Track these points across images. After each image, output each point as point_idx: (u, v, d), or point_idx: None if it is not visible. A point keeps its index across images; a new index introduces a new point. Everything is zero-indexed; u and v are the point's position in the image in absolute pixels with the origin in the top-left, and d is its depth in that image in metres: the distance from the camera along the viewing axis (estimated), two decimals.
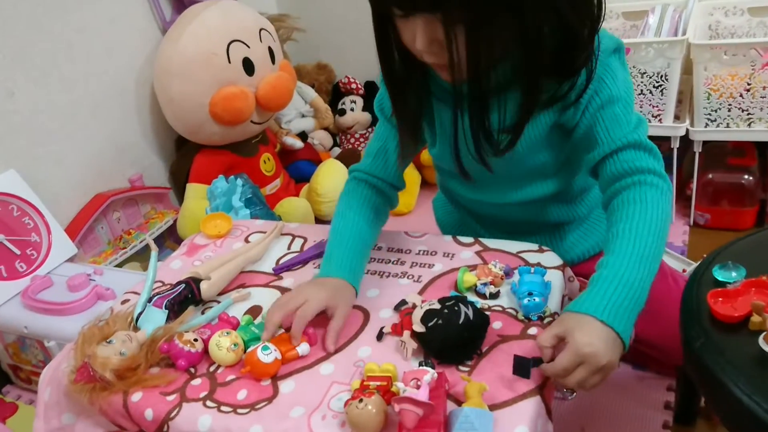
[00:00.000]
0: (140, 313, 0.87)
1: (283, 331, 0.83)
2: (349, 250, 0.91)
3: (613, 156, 0.81)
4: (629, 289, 0.70)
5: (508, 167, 0.91)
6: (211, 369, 0.82)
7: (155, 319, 0.86)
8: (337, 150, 2.18)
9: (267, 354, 0.77)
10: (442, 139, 0.93)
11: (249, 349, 0.78)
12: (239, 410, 0.75)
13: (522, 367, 0.70)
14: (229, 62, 1.57)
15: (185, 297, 0.90)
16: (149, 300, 0.88)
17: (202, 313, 0.93)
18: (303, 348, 0.80)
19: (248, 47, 1.60)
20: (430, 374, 0.70)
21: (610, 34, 0.84)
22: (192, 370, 0.82)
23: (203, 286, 0.93)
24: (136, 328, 0.86)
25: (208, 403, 0.76)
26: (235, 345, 0.81)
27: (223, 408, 0.75)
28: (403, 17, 0.73)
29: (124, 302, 1.00)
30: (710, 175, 1.55)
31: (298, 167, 1.99)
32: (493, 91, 0.78)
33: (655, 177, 0.79)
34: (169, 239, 1.75)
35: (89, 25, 1.57)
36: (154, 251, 0.95)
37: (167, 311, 0.87)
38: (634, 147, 0.80)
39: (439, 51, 0.73)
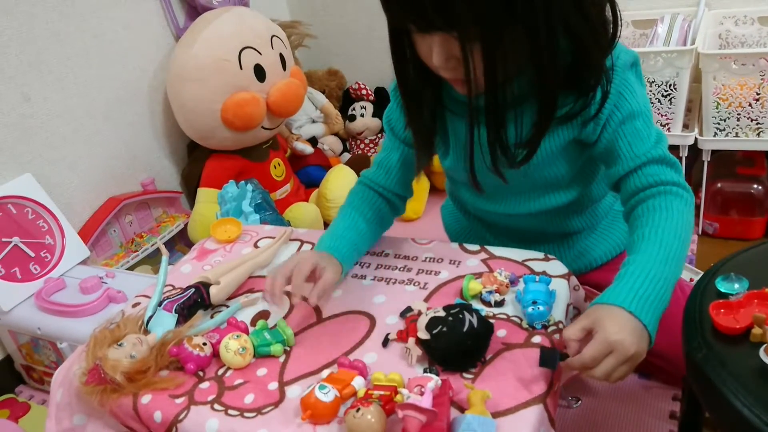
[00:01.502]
0: (150, 317, 0.88)
1: (337, 370, 0.79)
2: (343, 239, 0.95)
3: (637, 171, 0.82)
4: (656, 284, 0.71)
5: (522, 179, 0.91)
6: (219, 372, 0.83)
7: (165, 322, 0.87)
8: (347, 155, 2.19)
9: (325, 393, 0.72)
10: (456, 151, 0.94)
11: (305, 392, 0.74)
12: (246, 414, 0.76)
13: (549, 358, 0.71)
14: (241, 68, 1.59)
15: (194, 301, 0.92)
16: (159, 304, 0.90)
17: (211, 317, 0.94)
18: (358, 382, 0.75)
19: (260, 54, 1.62)
20: (433, 381, 0.70)
21: (626, 48, 0.85)
22: (200, 373, 0.83)
23: (212, 290, 0.95)
24: (146, 332, 0.87)
25: (216, 406, 0.77)
26: (243, 349, 0.81)
27: (230, 411, 0.76)
28: (420, 33, 0.75)
29: (135, 305, 1.02)
30: (719, 185, 1.54)
31: (308, 172, 2.01)
32: (510, 104, 0.79)
33: (678, 188, 0.80)
34: (180, 243, 1.77)
35: (104, 31, 1.60)
36: (165, 256, 0.97)
37: (177, 315, 0.88)
38: (657, 162, 0.81)
39: (456, 66, 0.74)
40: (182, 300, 0.91)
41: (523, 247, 0.99)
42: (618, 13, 0.77)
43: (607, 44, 0.78)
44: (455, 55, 0.73)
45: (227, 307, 0.96)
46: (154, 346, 0.84)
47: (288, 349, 0.85)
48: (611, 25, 0.77)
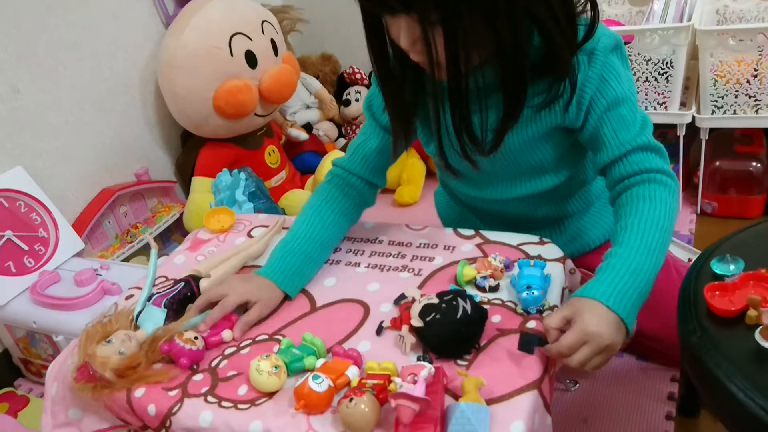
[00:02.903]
0: (140, 312, 0.87)
1: (331, 359, 0.78)
2: (294, 253, 0.93)
3: (622, 159, 0.82)
4: (635, 278, 0.72)
5: (506, 163, 0.91)
6: (213, 364, 0.82)
7: (154, 317, 0.86)
8: (342, 141, 2.18)
9: (319, 383, 0.71)
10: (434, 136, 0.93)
11: (298, 383, 0.73)
12: (240, 406, 0.75)
13: (527, 343, 0.72)
14: (232, 55, 1.57)
15: (185, 295, 0.91)
16: (149, 299, 0.89)
17: (201, 311, 0.93)
18: (352, 371, 0.74)
19: (250, 40, 1.60)
20: (427, 369, 0.70)
21: (608, 30, 0.84)
22: (194, 365, 0.83)
23: (203, 284, 0.93)
24: (136, 327, 0.86)
25: (209, 398, 0.77)
26: (276, 368, 0.75)
27: (224, 403, 0.76)
28: (390, 16, 0.75)
29: (128, 297, 1.01)
30: (717, 163, 1.53)
31: (304, 159, 1.99)
32: (475, 93, 0.78)
33: (663, 176, 0.81)
34: (176, 233, 1.77)
35: (93, 21, 1.58)
36: (154, 249, 0.95)
37: (166, 310, 0.87)
38: (642, 149, 0.82)
39: (423, 50, 0.74)
40: (172, 294, 0.89)
41: (515, 232, 0.99)
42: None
43: (574, 33, 0.78)
44: (421, 39, 0.73)
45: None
46: (145, 342, 0.83)
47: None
48: (587, 12, 0.77)
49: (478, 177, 0.97)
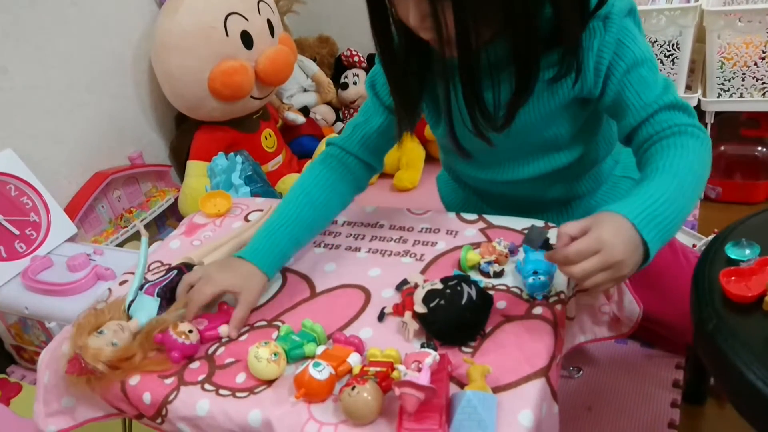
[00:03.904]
0: (132, 302, 0.85)
1: (332, 346, 0.76)
2: (277, 235, 0.89)
3: (649, 119, 0.78)
4: (666, 207, 0.67)
5: (521, 140, 0.89)
6: (210, 351, 0.80)
7: (147, 307, 0.83)
8: (340, 125, 2.15)
9: (320, 371, 0.69)
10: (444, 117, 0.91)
11: (298, 371, 0.70)
12: (238, 394, 0.73)
13: (534, 238, 0.68)
14: (227, 36, 1.53)
15: (177, 284, 0.87)
16: (141, 287, 0.86)
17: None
18: (354, 358, 0.72)
19: (246, 20, 1.57)
20: (431, 357, 0.68)
21: None
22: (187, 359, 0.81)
23: None
24: (128, 317, 0.84)
25: (207, 386, 0.75)
26: (275, 355, 0.73)
27: (221, 391, 0.74)
28: None
29: (122, 283, 0.99)
30: (723, 147, 1.51)
31: (301, 143, 1.96)
32: (486, 69, 0.76)
33: (694, 129, 0.76)
34: (172, 218, 1.74)
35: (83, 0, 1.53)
36: (144, 237, 0.93)
37: (159, 299, 0.84)
38: (669, 108, 0.78)
39: (433, 26, 0.72)
40: (164, 283, 0.86)
41: (522, 216, 0.96)
42: None
43: (586, 1, 0.75)
44: (430, 14, 0.71)
45: None
46: (140, 333, 0.80)
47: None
48: None
49: (488, 158, 0.95)
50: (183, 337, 0.78)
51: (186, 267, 0.90)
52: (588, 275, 0.64)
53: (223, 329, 0.81)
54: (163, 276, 0.88)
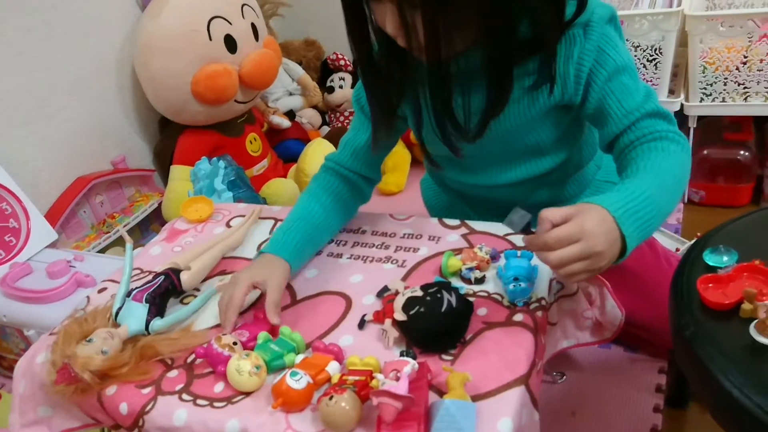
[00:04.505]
0: (119, 309, 0.84)
1: (311, 354, 0.75)
2: (291, 231, 0.91)
3: (631, 127, 0.79)
4: (647, 204, 0.67)
5: (503, 146, 0.89)
6: (189, 360, 0.79)
7: (136, 313, 0.82)
8: (326, 128, 2.14)
9: (297, 380, 0.68)
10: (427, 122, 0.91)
11: (276, 380, 0.69)
12: (216, 404, 0.72)
13: (516, 220, 0.67)
14: (211, 39, 1.52)
15: (165, 289, 0.87)
16: (128, 294, 0.85)
17: (181, 302, 0.90)
18: (333, 367, 0.71)
19: (230, 24, 1.55)
20: (410, 365, 0.67)
21: (601, 2, 0.81)
22: (169, 361, 0.80)
23: (183, 276, 0.90)
24: (116, 324, 0.82)
25: (184, 396, 0.74)
26: (257, 368, 0.72)
27: (199, 401, 0.73)
28: (374, 1, 0.73)
29: (101, 290, 0.98)
30: (706, 151, 1.52)
31: (287, 147, 1.95)
32: (458, 77, 0.76)
33: (675, 135, 0.77)
34: (155, 222, 1.72)
35: (66, 1, 1.52)
36: (129, 243, 0.92)
37: (148, 305, 0.83)
38: (650, 116, 0.78)
39: (404, 34, 0.72)
40: (152, 288, 0.85)
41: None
42: None
43: (563, 9, 0.75)
44: (401, 23, 0.71)
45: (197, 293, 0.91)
46: (135, 349, 0.79)
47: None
48: None
49: (472, 163, 0.95)
50: (227, 349, 0.75)
51: (173, 272, 0.89)
52: (564, 263, 0.63)
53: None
54: (151, 281, 0.87)
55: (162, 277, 0.88)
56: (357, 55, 0.81)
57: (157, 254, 1.04)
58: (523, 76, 0.80)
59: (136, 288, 0.86)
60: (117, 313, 0.83)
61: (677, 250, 1.31)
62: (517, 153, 0.91)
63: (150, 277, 0.89)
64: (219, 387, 0.74)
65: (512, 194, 0.98)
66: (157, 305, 0.85)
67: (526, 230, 0.67)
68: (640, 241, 0.67)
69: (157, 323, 0.83)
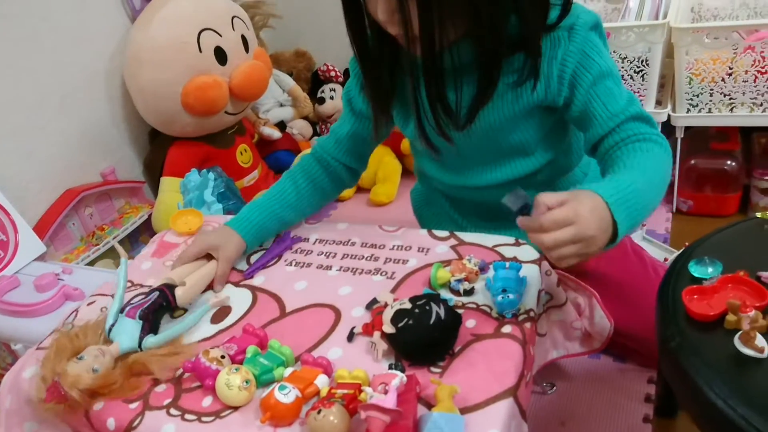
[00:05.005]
0: (112, 325, 0.82)
1: (300, 368, 0.75)
2: (257, 209, 1.00)
3: (615, 129, 0.82)
4: (636, 195, 0.70)
5: (487, 143, 0.91)
6: (177, 374, 0.79)
7: (129, 330, 0.80)
8: (316, 139, 2.14)
9: (286, 393, 0.67)
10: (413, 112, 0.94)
11: (264, 394, 0.69)
12: (204, 418, 0.72)
13: (515, 200, 0.69)
14: (200, 51, 1.52)
15: (159, 305, 0.85)
16: (121, 310, 0.83)
17: (172, 316, 0.89)
18: (321, 380, 0.71)
19: (220, 36, 1.56)
20: (398, 378, 0.67)
21: (586, 8, 0.85)
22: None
23: (178, 292, 0.88)
24: (108, 341, 0.81)
25: (172, 410, 0.74)
26: (247, 382, 0.71)
27: (187, 416, 0.73)
28: None
29: (90, 304, 0.97)
30: (693, 161, 1.53)
31: (278, 158, 1.95)
32: (450, 70, 0.80)
33: (657, 137, 0.80)
34: (145, 234, 1.71)
35: (54, 13, 1.51)
36: (124, 258, 0.90)
37: (141, 322, 0.81)
38: (634, 119, 0.81)
39: (399, 21, 0.75)
40: (146, 305, 0.83)
41: (493, 227, 0.98)
42: None
43: (547, 10, 0.79)
44: (397, 10, 0.74)
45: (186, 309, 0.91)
46: (125, 365, 0.77)
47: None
48: None
49: (458, 162, 0.97)
50: (215, 363, 0.74)
51: (168, 288, 0.88)
52: (558, 245, 0.65)
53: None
54: (145, 298, 0.85)
55: (156, 293, 0.86)
56: (354, 45, 0.85)
57: (147, 268, 1.04)
58: (508, 73, 0.83)
59: (130, 304, 0.84)
60: (110, 330, 0.82)
61: (665, 260, 1.32)
62: (502, 152, 0.94)
63: (144, 293, 0.88)
64: (207, 401, 0.74)
65: (498, 196, 0.98)
66: (151, 322, 0.83)
67: (522, 210, 0.68)
68: (629, 230, 0.69)
69: (149, 340, 0.81)
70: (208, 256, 0.97)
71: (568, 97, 0.84)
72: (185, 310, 0.91)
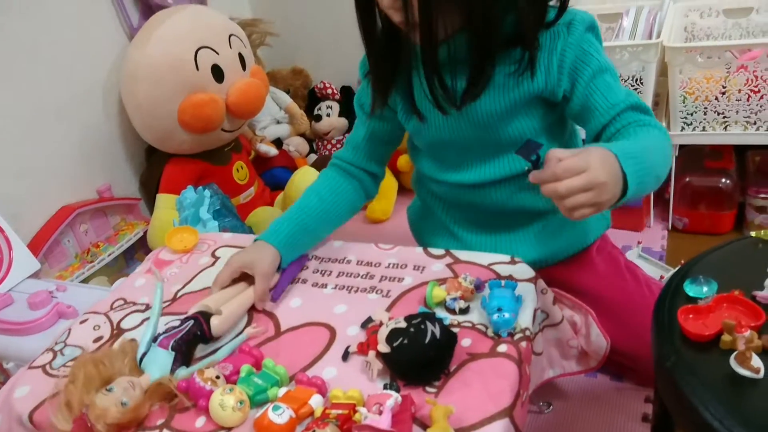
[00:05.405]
0: (144, 354, 0.78)
1: (294, 387, 0.74)
2: (286, 221, 0.98)
3: (616, 118, 0.85)
4: (643, 153, 0.73)
5: (487, 134, 0.94)
6: None
7: (160, 361, 0.77)
8: (313, 156, 2.14)
9: (279, 414, 0.67)
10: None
11: (258, 413, 0.68)
12: None
13: (528, 149, 0.70)
14: (198, 69, 1.53)
15: (194, 335, 0.81)
16: (155, 339, 0.79)
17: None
18: (316, 400, 0.71)
19: (217, 54, 1.57)
20: (393, 398, 0.67)
21: (582, 10, 0.89)
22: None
23: (213, 321, 0.84)
24: (138, 370, 0.77)
25: (165, 431, 0.73)
26: (241, 402, 0.70)
27: None
28: None
29: (82, 322, 0.96)
30: (688, 179, 1.53)
31: (274, 174, 1.95)
32: (446, 61, 0.84)
33: (657, 123, 0.84)
34: (140, 251, 1.71)
35: (52, 28, 1.52)
36: (159, 282, 0.87)
37: (174, 353, 0.78)
38: (633, 109, 0.85)
39: (401, 8, 0.79)
40: (180, 335, 0.79)
41: (489, 239, 1.02)
42: None
43: (544, 9, 0.84)
44: None
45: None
46: (148, 390, 0.74)
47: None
48: None
49: (456, 158, 1.00)
50: (210, 383, 0.73)
51: (202, 315, 0.84)
52: (571, 192, 0.66)
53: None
54: (179, 327, 0.81)
55: (191, 322, 0.82)
56: (362, 29, 0.89)
57: (140, 285, 1.03)
58: (508, 63, 0.87)
59: (163, 333, 0.80)
60: (142, 359, 0.78)
61: (661, 277, 1.32)
62: (501, 146, 0.96)
63: (179, 320, 0.83)
64: (200, 421, 0.73)
65: (495, 197, 1.01)
66: (183, 353, 0.79)
67: (535, 164, 0.70)
68: (638, 188, 0.70)
69: (181, 374, 0.77)
70: (244, 275, 0.94)
71: (568, 90, 0.88)
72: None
